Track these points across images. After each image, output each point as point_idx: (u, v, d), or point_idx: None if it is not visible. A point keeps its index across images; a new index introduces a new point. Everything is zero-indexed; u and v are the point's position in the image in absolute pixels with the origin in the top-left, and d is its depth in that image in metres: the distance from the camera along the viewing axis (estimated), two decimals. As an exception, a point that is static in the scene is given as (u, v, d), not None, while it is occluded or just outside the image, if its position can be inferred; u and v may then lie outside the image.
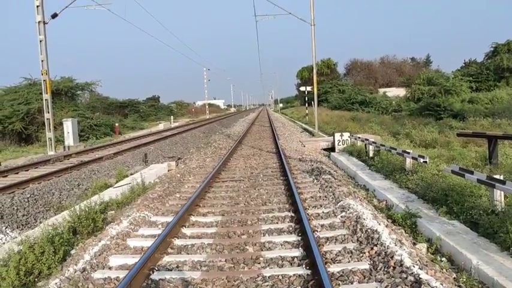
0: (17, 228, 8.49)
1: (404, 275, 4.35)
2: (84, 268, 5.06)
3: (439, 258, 5.29)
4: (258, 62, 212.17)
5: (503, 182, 5.86)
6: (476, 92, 39.60)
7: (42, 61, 20.95)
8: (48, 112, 21.41)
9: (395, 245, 5.10)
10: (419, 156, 9.21)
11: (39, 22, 20.76)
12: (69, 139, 23.54)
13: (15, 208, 9.28)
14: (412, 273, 4.33)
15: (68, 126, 23.64)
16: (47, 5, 20.63)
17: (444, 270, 4.84)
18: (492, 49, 49.88)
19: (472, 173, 6.67)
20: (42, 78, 21.41)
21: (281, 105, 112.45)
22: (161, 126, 40.73)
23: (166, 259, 5.40)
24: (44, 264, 5.34)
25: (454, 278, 4.68)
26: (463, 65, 55.74)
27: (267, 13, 25.92)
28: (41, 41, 20.82)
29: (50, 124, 21.33)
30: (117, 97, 53.27)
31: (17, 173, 13.67)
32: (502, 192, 6.02)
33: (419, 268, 4.42)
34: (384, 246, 5.14)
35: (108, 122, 35.34)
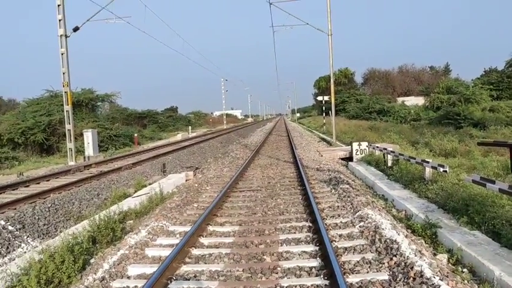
0: (38, 237, 8.62)
1: (424, 286, 4.28)
2: (103, 277, 5.11)
3: (460, 269, 5.19)
4: (275, 71, 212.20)
5: (526, 192, 5.74)
6: (497, 100, 38.95)
7: (63, 73, 21.37)
8: (69, 123, 21.79)
9: (415, 256, 5.03)
10: (439, 165, 9.08)
11: (61, 35, 21.24)
12: (89, 149, 23.88)
13: (37, 217, 9.43)
14: (433, 284, 4.26)
15: (88, 136, 24.01)
16: (68, 18, 21.05)
17: (465, 281, 4.75)
18: (513, 57, 49.03)
19: (493, 182, 6.54)
20: (63, 90, 21.83)
21: (298, 114, 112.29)
22: (179, 136, 41.08)
23: (184, 268, 5.42)
24: (64, 273, 5.41)
25: (476, 289, 4.58)
26: (483, 73, 54.98)
27: (284, 23, 25.92)
28: (62, 54, 21.27)
29: (70, 135, 21.68)
30: (136, 108, 54.12)
31: (38, 183, 13.91)
32: (525, 202, 5.89)
33: (440, 279, 4.35)
34: (404, 257, 5.07)
35: (127, 132, 35.80)
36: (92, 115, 36.57)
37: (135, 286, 4.88)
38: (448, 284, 4.24)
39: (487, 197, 7.00)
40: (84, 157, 23.57)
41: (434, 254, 5.61)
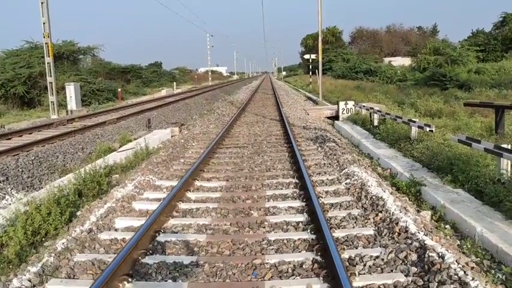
0: (22, 189, 8.53)
1: (409, 241, 4.37)
2: (91, 229, 5.10)
3: (443, 225, 5.32)
4: (263, 28, 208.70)
5: (510, 151, 5.83)
6: (483, 62, 39.01)
7: (44, 23, 20.59)
8: (51, 76, 21.24)
9: (400, 212, 5.12)
10: (426, 125, 9.14)
11: (40, -17, 20.29)
12: (72, 103, 23.42)
13: (20, 170, 9.31)
14: (417, 239, 4.35)
15: (71, 90, 23.48)
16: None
17: (448, 237, 4.88)
18: (501, 19, 48.68)
19: (479, 142, 6.62)
20: (44, 41, 21.11)
21: (284, 73, 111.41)
22: (164, 92, 40.50)
23: (171, 222, 5.44)
24: (51, 224, 5.39)
25: (458, 244, 4.71)
26: (471, 34, 54.71)
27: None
28: (42, 3, 20.41)
29: (52, 88, 21.19)
30: (119, 62, 52.72)
31: (21, 136, 13.66)
32: (509, 162, 5.98)
33: (424, 234, 4.45)
34: (389, 213, 5.16)
35: (111, 87, 35.08)
36: (73, 68, 35.59)
37: (123, 238, 4.89)
38: (432, 239, 4.34)
39: (472, 156, 7.09)
40: (67, 111, 23.17)
41: (418, 211, 5.71)
